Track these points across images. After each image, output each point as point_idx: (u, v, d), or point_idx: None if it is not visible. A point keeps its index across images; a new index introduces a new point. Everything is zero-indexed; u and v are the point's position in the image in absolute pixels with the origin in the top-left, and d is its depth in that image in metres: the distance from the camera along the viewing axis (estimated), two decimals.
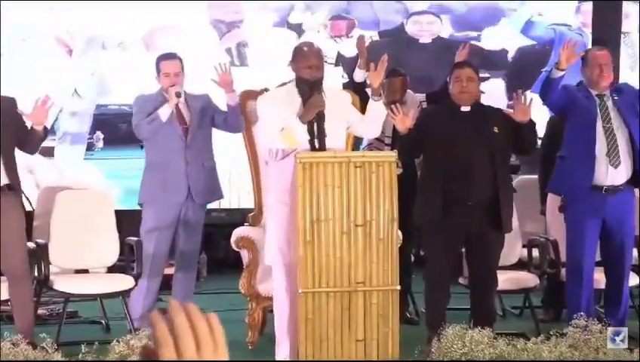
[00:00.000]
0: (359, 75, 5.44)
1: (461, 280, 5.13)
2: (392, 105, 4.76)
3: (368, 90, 5.00)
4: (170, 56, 5.30)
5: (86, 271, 5.25)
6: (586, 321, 4.46)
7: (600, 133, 4.81)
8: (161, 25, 7.46)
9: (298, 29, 7.69)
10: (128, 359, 4.12)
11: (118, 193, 7.04)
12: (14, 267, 4.70)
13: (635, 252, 5.16)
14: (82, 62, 7.44)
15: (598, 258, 5.02)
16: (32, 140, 4.84)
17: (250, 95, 5.14)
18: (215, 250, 7.48)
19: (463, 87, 4.80)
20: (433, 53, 7.68)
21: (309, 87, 4.34)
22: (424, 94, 5.80)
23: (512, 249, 5.23)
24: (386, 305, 4.25)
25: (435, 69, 7.12)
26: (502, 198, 4.71)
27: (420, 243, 5.34)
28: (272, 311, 4.73)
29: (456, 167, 4.69)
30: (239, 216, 6.56)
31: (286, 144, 4.30)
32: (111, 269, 5.38)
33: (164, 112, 5.10)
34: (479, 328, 4.37)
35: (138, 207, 5.32)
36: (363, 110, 4.72)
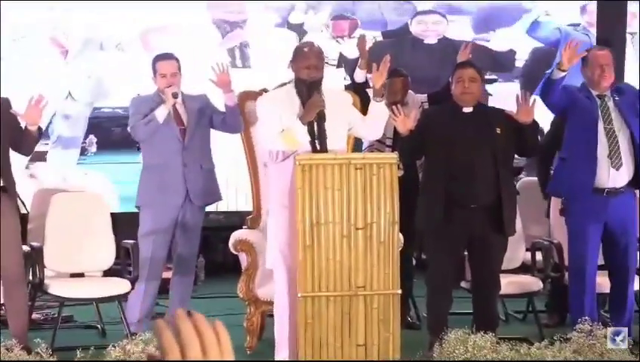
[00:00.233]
0: (360, 76, 5.45)
1: (463, 284, 5.13)
2: (393, 106, 4.76)
3: (369, 91, 5.02)
4: (166, 57, 5.30)
5: (82, 275, 5.23)
6: (591, 326, 4.45)
7: (601, 134, 4.81)
8: (161, 25, 7.40)
9: (299, 29, 7.64)
10: None
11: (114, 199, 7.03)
12: (9, 271, 4.70)
13: (638, 255, 5.16)
14: (78, 63, 7.38)
15: (600, 261, 5.02)
16: (27, 141, 4.83)
17: (249, 96, 5.14)
18: (213, 253, 7.48)
19: (465, 88, 4.80)
20: (439, 54, 7.60)
21: (307, 88, 4.34)
22: (425, 95, 5.80)
23: (515, 252, 5.23)
24: (387, 309, 4.24)
25: (441, 70, 7.08)
26: (505, 201, 4.71)
27: (422, 247, 5.33)
28: (270, 315, 4.72)
29: (459, 169, 4.68)
30: (237, 219, 6.56)
31: (286, 145, 4.30)
32: (107, 273, 5.37)
33: (161, 113, 5.09)
34: (482, 333, 4.37)
35: (134, 210, 5.32)
36: (364, 111, 4.72)
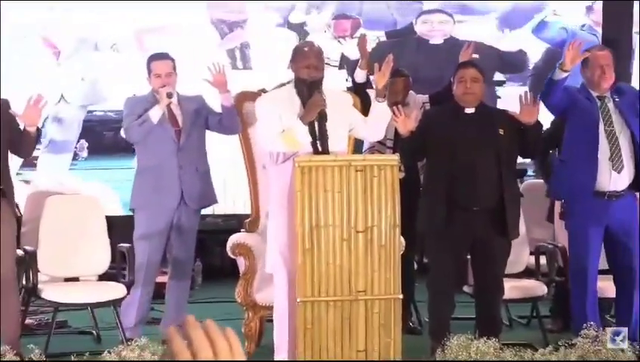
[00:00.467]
0: (360, 76, 5.44)
1: (466, 289, 5.12)
2: (394, 107, 4.75)
3: (370, 91, 5.01)
4: (161, 56, 5.29)
5: (76, 279, 5.22)
6: (596, 331, 4.45)
7: (602, 136, 4.81)
8: (157, 25, 7.32)
9: (299, 29, 7.60)
10: None
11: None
12: (2, 275, 4.68)
13: None
14: (71, 64, 7.29)
15: (604, 266, 5.02)
16: (26, 142, 4.81)
17: (247, 96, 5.13)
18: (210, 257, 7.47)
19: (467, 88, 4.80)
20: (445, 55, 7.44)
21: (308, 88, 4.33)
22: (427, 95, 5.80)
23: (519, 256, 5.22)
24: (388, 314, 4.24)
25: (448, 71, 7.00)
26: (508, 203, 4.70)
27: (424, 250, 5.33)
28: (269, 320, 4.72)
29: (460, 171, 4.68)
30: (235, 222, 6.56)
31: (287, 146, 4.29)
32: (102, 277, 5.36)
33: (155, 114, 5.09)
34: (485, 338, 4.36)
35: (130, 213, 5.31)
36: (364, 112, 4.71)
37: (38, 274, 4.99)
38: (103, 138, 7.34)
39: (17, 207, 5.29)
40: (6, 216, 4.71)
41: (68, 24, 7.28)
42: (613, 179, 4.80)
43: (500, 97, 7.46)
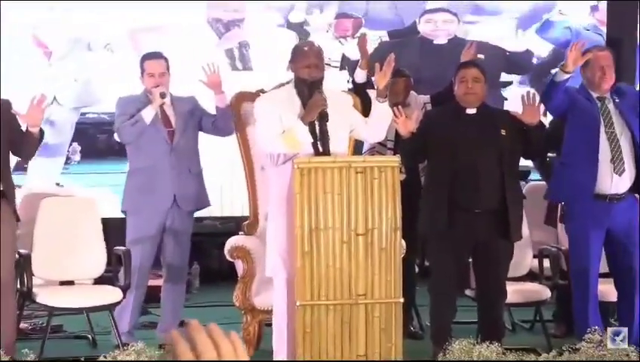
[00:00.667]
0: (360, 76, 5.44)
1: (468, 292, 5.12)
2: (395, 108, 4.75)
3: (370, 92, 5.01)
4: (154, 56, 5.29)
5: (71, 283, 5.21)
6: (601, 336, 4.45)
7: (603, 138, 4.80)
8: (153, 24, 7.25)
9: (299, 29, 7.57)
10: None
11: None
12: (1, 277, 4.68)
13: None
14: (64, 65, 7.19)
15: (605, 269, 5.01)
16: (28, 143, 4.80)
17: (245, 97, 5.13)
18: (208, 260, 7.47)
19: (469, 89, 4.80)
20: (449, 56, 7.25)
21: (308, 88, 4.33)
22: (428, 96, 5.80)
23: (522, 259, 5.22)
24: (389, 318, 4.23)
25: (451, 72, 6.97)
26: (510, 205, 4.70)
27: (425, 253, 5.33)
28: (268, 324, 4.72)
29: (462, 173, 4.68)
30: (233, 225, 6.56)
31: (288, 147, 4.29)
32: (98, 281, 5.36)
33: (148, 114, 5.09)
34: (487, 343, 4.36)
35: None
36: (364, 113, 4.71)
37: (33, 277, 4.98)
38: (96, 141, 7.26)
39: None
40: (6, 218, 4.70)
41: (60, 24, 7.20)
42: (614, 182, 4.80)
43: (506, 99, 7.41)
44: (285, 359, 4.37)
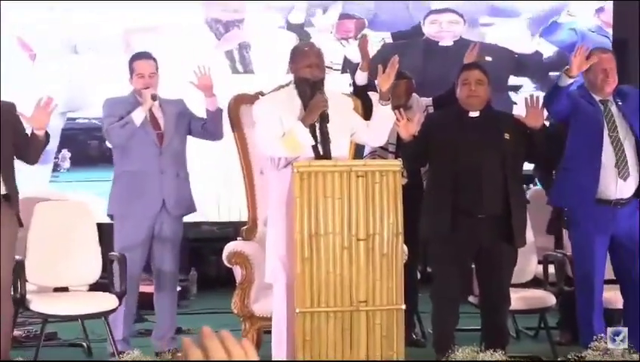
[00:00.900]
0: (361, 78, 5.44)
1: (471, 299, 5.11)
2: (396, 110, 4.75)
3: (371, 94, 5.00)
4: (144, 56, 5.29)
5: (66, 290, 5.20)
6: (606, 343, 4.44)
7: (607, 142, 4.80)
8: (149, 25, 7.18)
9: (299, 30, 7.53)
10: None
11: None
12: (1, 281, 4.67)
13: None
14: (49, 67, 7.05)
15: (611, 276, 5.01)
16: (34, 146, 4.79)
17: (244, 99, 5.12)
18: (206, 266, 7.47)
19: (472, 91, 4.79)
20: (455, 58, 6.97)
21: (310, 88, 4.32)
22: (430, 98, 5.79)
23: (527, 265, 5.21)
24: (391, 325, 4.22)
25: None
26: (514, 210, 4.69)
27: (427, 259, 5.32)
28: (267, 332, 4.71)
29: (465, 177, 4.67)
30: (232, 230, 6.55)
31: (289, 150, 4.27)
32: (93, 287, 5.35)
33: (138, 116, 5.08)
34: (491, 351, 4.35)
35: None
36: (365, 116, 4.70)
37: (26, 284, 4.97)
38: (87, 147, 7.16)
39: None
40: (9, 222, 4.70)
41: (45, 25, 7.08)
42: (619, 187, 4.79)
43: (516, 103, 7.36)
44: None
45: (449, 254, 4.69)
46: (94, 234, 5.26)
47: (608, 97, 4.89)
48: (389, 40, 7.55)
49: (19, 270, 4.93)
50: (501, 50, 7.51)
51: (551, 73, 7.51)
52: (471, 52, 5.77)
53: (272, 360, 4.36)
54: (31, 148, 4.80)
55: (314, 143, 4.26)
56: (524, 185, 5.42)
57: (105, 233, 5.50)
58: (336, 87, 5.12)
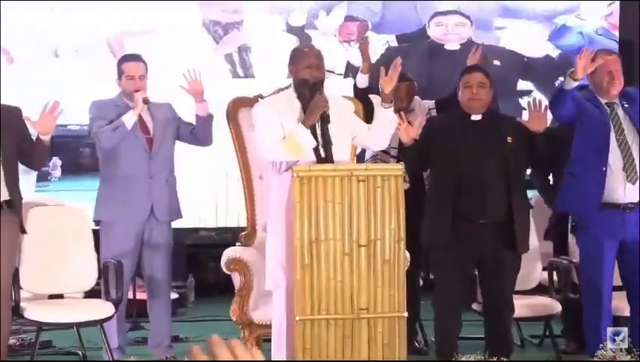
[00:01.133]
0: (362, 80, 5.44)
1: (475, 306, 5.11)
2: (397, 114, 4.74)
3: (372, 97, 5.00)
4: (134, 58, 5.29)
5: (61, 297, 5.20)
6: (614, 352, 4.43)
7: (613, 146, 4.79)
8: (144, 28, 7.13)
9: (299, 33, 7.50)
10: None
11: None
12: (1, 288, 4.66)
13: None
14: (30, 72, 6.94)
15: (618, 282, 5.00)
16: (39, 151, 4.81)
17: (243, 102, 5.12)
18: (204, 272, 7.46)
19: (473, 94, 4.79)
20: (461, 62, 6.89)
21: (310, 89, 4.32)
22: (433, 101, 5.79)
23: (531, 271, 5.21)
24: (392, 333, 4.22)
25: None
26: (516, 215, 4.69)
27: (429, 265, 5.31)
28: (266, 340, 4.70)
29: (467, 182, 4.67)
30: (230, 236, 6.55)
31: (290, 152, 4.26)
32: (88, 294, 5.34)
33: (129, 119, 5.08)
34: (495, 359, 4.34)
35: None
36: (366, 119, 4.70)
37: (21, 291, 4.96)
38: (78, 155, 7.11)
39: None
40: (11, 227, 4.69)
41: (27, 28, 6.99)
42: (627, 191, 4.78)
43: (525, 108, 7.33)
44: None
45: (451, 260, 4.69)
46: (90, 240, 5.25)
47: (614, 100, 4.89)
48: (394, 43, 7.49)
49: (13, 277, 4.92)
50: (509, 54, 7.46)
51: (561, 78, 7.49)
52: (474, 54, 5.77)
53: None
54: (36, 154, 4.82)
55: (315, 145, 4.25)
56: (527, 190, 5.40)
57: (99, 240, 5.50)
58: (339, 92, 5.09)
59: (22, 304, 4.93)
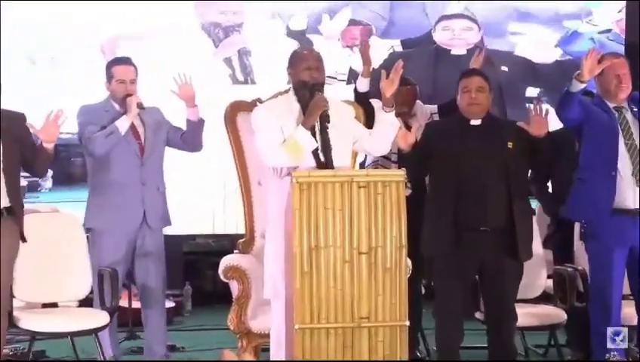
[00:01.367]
0: (363, 84, 5.43)
1: (477, 315, 5.10)
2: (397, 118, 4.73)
3: (373, 101, 4.99)
4: (124, 61, 5.28)
5: (55, 305, 5.20)
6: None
7: (622, 150, 4.80)
8: (140, 31, 7.12)
9: (299, 37, 7.47)
10: None
11: None
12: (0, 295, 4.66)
13: None
14: (8, 79, 6.68)
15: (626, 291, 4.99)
16: (42, 159, 4.81)
17: (242, 106, 5.13)
18: (201, 280, 7.46)
19: (472, 99, 4.79)
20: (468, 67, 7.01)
21: (309, 91, 4.30)
22: (436, 106, 5.79)
23: (536, 279, 5.20)
24: (394, 342, 4.21)
25: None
26: (518, 222, 4.68)
27: (432, 274, 5.30)
28: (264, 349, 4.69)
29: (467, 188, 4.66)
30: (228, 243, 6.54)
31: (291, 156, 4.25)
32: (83, 303, 5.33)
33: (123, 125, 5.08)
34: None
35: None
36: (367, 124, 4.69)
37: (14, 299, 4.95)
38: (70, 165, 7.09)
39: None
40: (11, 235, 4.69)
41: (12, 30, 6.95)
42: (637, 196, 4.78)
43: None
44: None
45: (451, 269, 4.68)
46: (84, 248, 5.24)
47: (623, 104, 4.89)
48: (399, 48, 7.43)
49: None
50: (518, 59, 7.42)
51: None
52: (477, 58, 5.77)
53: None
54: (39, 161, 4.83)
55: (316, 145, 4.24)
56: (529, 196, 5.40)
57: None
58: (342, 97, 5.07)
59: (15, 313, 4.92)
